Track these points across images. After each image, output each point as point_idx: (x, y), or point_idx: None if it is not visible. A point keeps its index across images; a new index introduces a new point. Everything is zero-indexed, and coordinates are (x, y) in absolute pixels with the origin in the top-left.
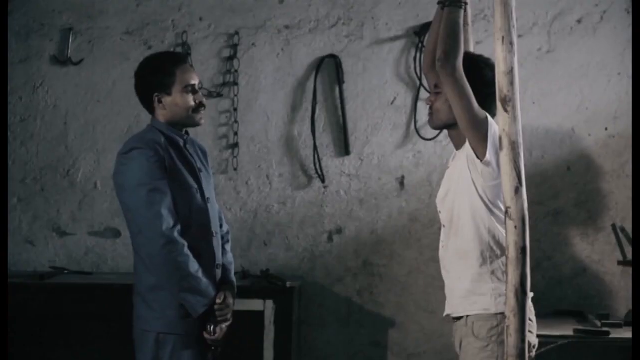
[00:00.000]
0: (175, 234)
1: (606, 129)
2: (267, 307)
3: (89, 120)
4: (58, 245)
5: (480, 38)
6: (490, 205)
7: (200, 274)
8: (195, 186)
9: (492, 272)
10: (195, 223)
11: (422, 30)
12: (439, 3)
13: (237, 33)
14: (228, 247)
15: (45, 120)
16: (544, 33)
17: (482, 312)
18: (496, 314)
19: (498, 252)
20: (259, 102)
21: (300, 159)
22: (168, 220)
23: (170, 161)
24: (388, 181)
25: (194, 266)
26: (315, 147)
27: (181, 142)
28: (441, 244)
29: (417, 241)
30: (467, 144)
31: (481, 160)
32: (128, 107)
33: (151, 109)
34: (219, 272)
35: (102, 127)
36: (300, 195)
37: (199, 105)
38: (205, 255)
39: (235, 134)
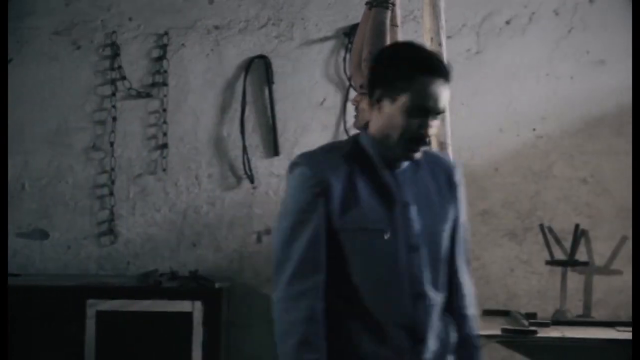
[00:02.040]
0: (306, 293)
1: (534, 129)
2: (196, 308)
3: (17, 121)
4: None
5: (409, 39)
6: None
7: None
8: (383, 227)
9: None
10: (375, 276)
11: (351, 31)
12: (366, 4)
13: (166, 33)
14: (468, 326)
15: None
16: (473, 34)
17: None
18: None
19: None
20: (188, 103)
21: (229, 159)
22: (299, 271)
23: (347, 189)
24: None
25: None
26: (244, 148)
27: (384, 171)
28: None
29: None
30: None
31: None
32: (56, 108)
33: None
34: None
35: (30, 128)
36: (229, 196)
37: (418, 139)
38: (393, 331)
39: (164, 134)
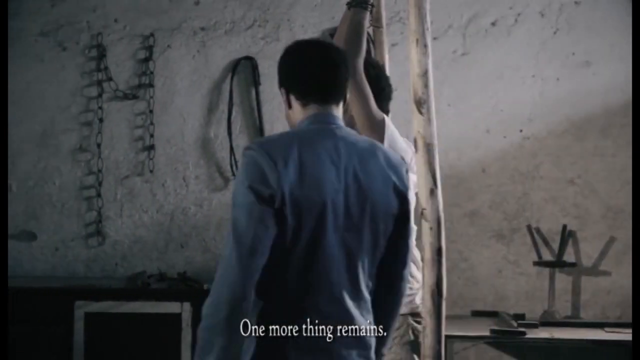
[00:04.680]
0: None
1: (521, 130)
2: (184, 310)
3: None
4: None
5: (395, 40)
6: None
7: None
8: None
9: None
10: None
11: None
12: (346, 4)
13: (152, 35)
14: None
15: None
16: (459, 35)
17: None
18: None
19: None
20: (174, 104)
21: (216, 160)
22: None
23: None
24: None
25: None
26: (231, 149)
27: None
28: None
29: None
30: None
31: None
32: (42, 110)
33: None
34: None
35: (17, 129)
36: (216, 197)
37: None
38: None
39: (151, 135)
